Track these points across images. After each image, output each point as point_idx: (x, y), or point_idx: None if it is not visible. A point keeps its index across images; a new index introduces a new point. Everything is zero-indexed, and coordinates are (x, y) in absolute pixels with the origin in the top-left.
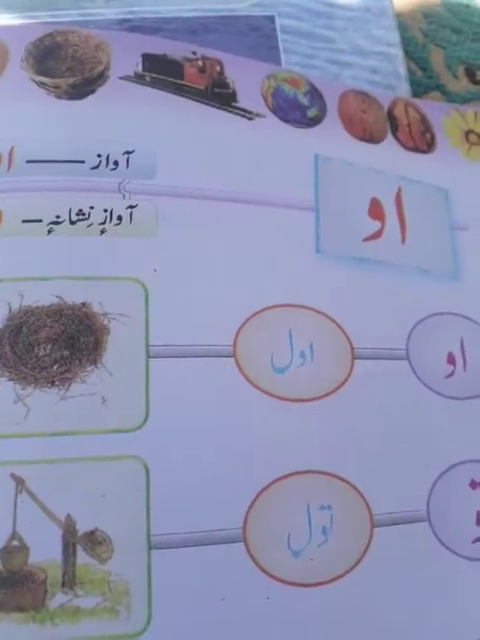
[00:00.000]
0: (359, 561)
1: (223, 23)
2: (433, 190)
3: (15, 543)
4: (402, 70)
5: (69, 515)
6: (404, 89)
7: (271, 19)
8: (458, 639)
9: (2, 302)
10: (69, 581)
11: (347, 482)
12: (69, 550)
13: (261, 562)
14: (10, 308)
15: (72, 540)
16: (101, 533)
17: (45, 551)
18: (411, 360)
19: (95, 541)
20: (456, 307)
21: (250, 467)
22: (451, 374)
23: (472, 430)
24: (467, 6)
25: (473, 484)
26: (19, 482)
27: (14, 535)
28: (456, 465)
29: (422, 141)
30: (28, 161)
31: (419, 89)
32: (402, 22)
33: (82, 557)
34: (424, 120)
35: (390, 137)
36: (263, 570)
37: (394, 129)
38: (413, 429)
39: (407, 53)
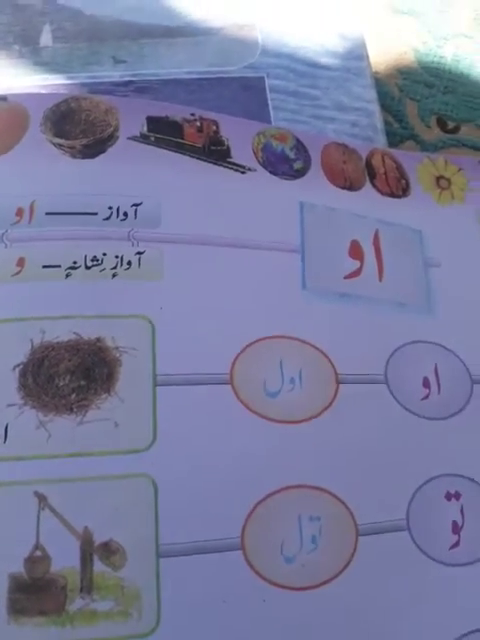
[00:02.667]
0: (345, 567)
1: (218, 83)
2: (408, 231)
3: (38, 553)
4: (379, 123)
5: (86, 527)
6: (381, 141)
7: (261, 79)
8: (437, 638)
9: (25, 339)
10: (87, 587)
11: (334, 495)
12: (86, 559)
13: (257, 568)
14: (32, 344)
15: (89, 550)
16: (115, 543)
17: (65, 560)
18: (390, 384)
19: (110, 551)
20: (431, 336)
21: (246, 482)
22: (427, 397)
23: (446, 446)
24: (438, 63)
25: (448, 496)
26: (41, 499)
27: (37, 546)
28: (432, 479)
29: (397, 187)
30: (47, 213)
31: (395, 139)
32: (380, 79)
33: (98, 565)
34: (399, 168)
35: (368, 184)
36: (259, 575)
37: (372, 177)
38: (392, 446)
39: (384, 107)
